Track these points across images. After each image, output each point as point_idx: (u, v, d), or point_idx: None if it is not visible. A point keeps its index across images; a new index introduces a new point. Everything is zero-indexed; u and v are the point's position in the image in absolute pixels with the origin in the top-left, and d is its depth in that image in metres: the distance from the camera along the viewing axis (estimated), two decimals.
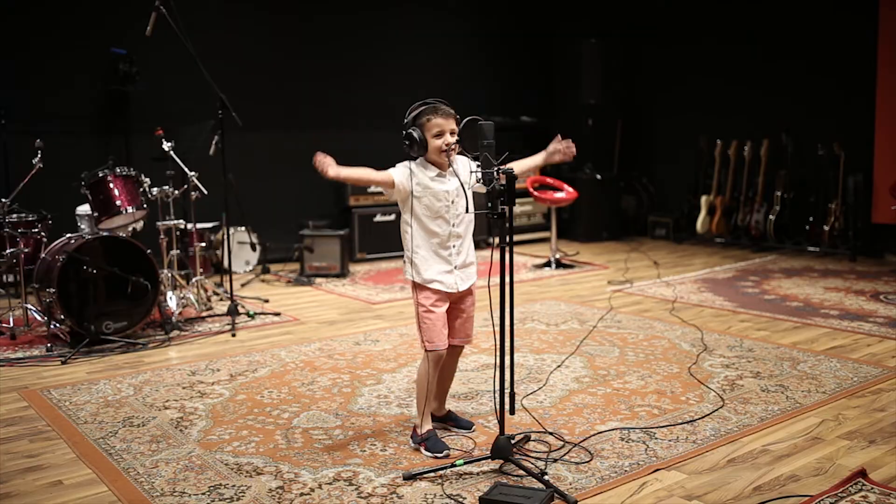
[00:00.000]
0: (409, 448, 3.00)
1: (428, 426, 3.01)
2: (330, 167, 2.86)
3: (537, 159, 3.15)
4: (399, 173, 2.95)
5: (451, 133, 2.90)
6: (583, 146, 8.72)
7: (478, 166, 2.75)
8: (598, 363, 4.08)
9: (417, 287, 2.96)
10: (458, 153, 2.93)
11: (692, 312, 5.21)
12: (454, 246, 2.96)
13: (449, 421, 3.19)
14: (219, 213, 5.92)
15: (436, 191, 2.92)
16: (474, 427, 3.18)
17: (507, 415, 2.78)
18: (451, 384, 3.24)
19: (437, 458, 2.89)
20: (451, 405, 3.31)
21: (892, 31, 6.90)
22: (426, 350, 2.94)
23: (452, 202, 2.94)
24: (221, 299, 5.59)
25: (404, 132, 2.90)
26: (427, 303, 2.93)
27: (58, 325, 4.55)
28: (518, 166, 2.89)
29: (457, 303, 3.02)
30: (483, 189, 2.75)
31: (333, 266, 6.60)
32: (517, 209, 8.23)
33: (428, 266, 2.94)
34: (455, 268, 2.97)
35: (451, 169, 2.94)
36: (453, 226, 2.95)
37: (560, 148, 3.11)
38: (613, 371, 3.95)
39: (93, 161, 5.25)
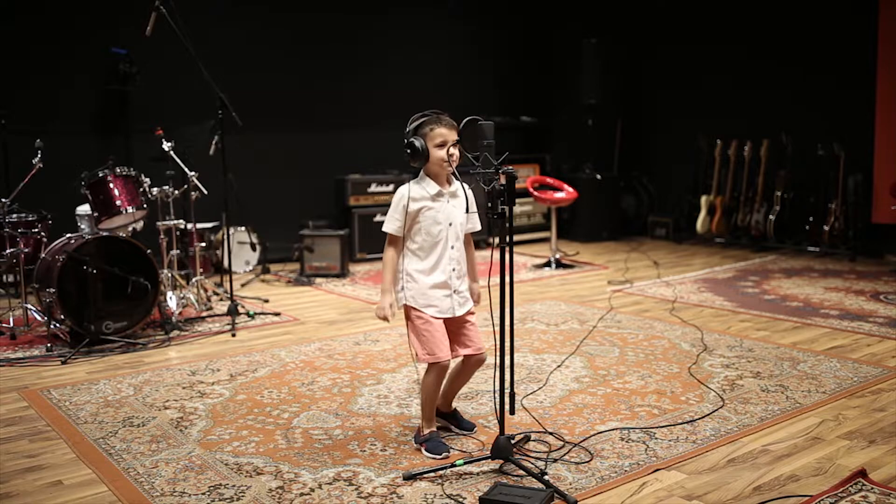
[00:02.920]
0: (409, 448, 3.00)
1: (431, 428, 3.01)
2: (388, 309, 2.88)
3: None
4: (394, 224, 2.91)
5: (454, 145, 2.89)
6: (583, 146, 8.78)
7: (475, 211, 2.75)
8: (598, 363, 4.08)
9: (412, 309, 2.93)
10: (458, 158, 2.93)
11: (692, 312, 5.21)
12: (454, 270, 2.93)
13: (452, 420, 3.19)
14: (219, 213, 5.92)
15: (435, 213, 2.90)
16: (476, 429, 3.18)
17: (507, 415, 2.78)
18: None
19: (436, 459, 2.89)
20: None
21: (892, 30, 6.90)
22: (428, 363, 2.92)
23: (451, 224, 2.92)
24: (221, 299, 5.59)
25: (406, 141, 2.88)
26: (426, 315, 2.90)
27: (58, 325, 4.54)
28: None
29: (455, 318, 2.99)
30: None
31: (333, 266, 6.60)
32: (517, 209, 8.23)
33: (424, 292, 2.90)
34: (454, 292, 2.94)
35: (449, 188, 2.94)
36: (452, 248, 2.93)
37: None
38: (613, 371, 3.94)
39: (93, 161, 5.25)
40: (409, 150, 2.87)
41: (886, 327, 4.74)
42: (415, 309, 2.92)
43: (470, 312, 3.02)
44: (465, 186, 2.98)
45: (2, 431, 3.24)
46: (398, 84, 7.72)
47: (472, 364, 3.04)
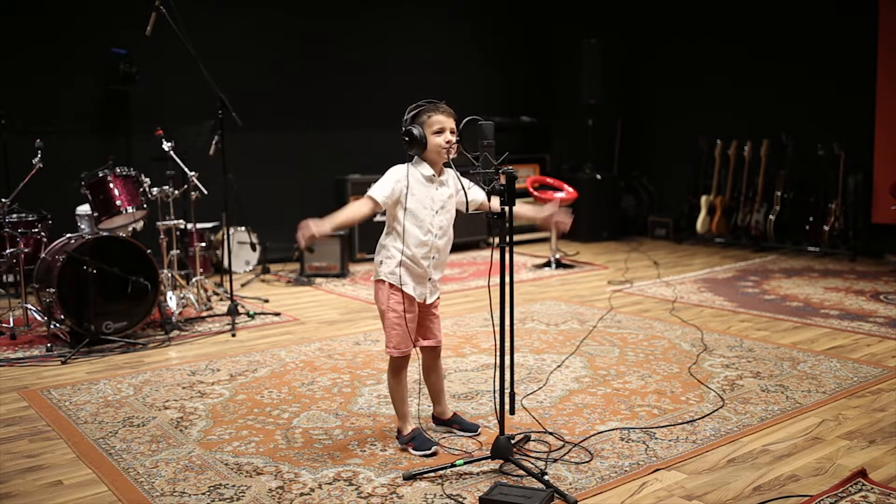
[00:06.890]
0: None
1: (410, 427, 3.01)
2: (314, 228, 2.79)
3: (530, 212, 3.19)
4: (381, 192, 2.88)
5: (451, 132, 2.89)
6: (583, 146, 8.79)
7: (471, 182, 2.75)
8: (598, 363, 4.08)
9: (390, 288, 2.93)
10: (458, 152, 2.92)
11: (692, 312, 5.21)
12: (434, 258, 2.94)
13: (454, 424, 3.18)
14: (219, 213, 5.91)
15: (422, 198, 2.90)
16: (480, 430, 3.17)
17: (507, 415, 2.78)
18: (445, 385, 3.24)
19: (425, 455, 2.90)
20: (450, 405, 3.30)
21: (892, 31, 6.90)
22: (391, 356, 2.95)
23: (437, 212, 2.92)
24: (221, 299, 5.59)
25: (403, 129, 2.89)
26: (399, 308, 2.92)
27: (58, 325, 4.54)
28: (518, 209, 2.88)
29: (424, 306, 3.02)
30: (479, 197, 2.76)
31: (333, 266, 6.60)
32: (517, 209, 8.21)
33: (405, 272, 2.92)
34: (429, 280, 2.96)
35: (443, 177, 2.94)
36: (436, 237, 2.92)
37: (560, 220, 3.17)
38: (613, 371, 3.94)
39: (93, 161, 5.25)
40: (406, 139, 2.87)
41: (886, 327, 4.74)
42: (391, 287, 2.92)
43: (436, 305, 3.04)
44: (455, 172, 2.96)
45: (2, 431, 3.24)
46: (398, 84, 7.71)
47: (433, 355, 3.11)
